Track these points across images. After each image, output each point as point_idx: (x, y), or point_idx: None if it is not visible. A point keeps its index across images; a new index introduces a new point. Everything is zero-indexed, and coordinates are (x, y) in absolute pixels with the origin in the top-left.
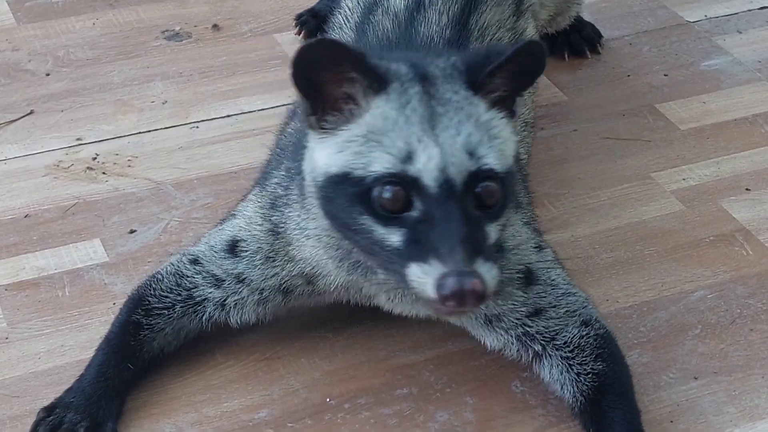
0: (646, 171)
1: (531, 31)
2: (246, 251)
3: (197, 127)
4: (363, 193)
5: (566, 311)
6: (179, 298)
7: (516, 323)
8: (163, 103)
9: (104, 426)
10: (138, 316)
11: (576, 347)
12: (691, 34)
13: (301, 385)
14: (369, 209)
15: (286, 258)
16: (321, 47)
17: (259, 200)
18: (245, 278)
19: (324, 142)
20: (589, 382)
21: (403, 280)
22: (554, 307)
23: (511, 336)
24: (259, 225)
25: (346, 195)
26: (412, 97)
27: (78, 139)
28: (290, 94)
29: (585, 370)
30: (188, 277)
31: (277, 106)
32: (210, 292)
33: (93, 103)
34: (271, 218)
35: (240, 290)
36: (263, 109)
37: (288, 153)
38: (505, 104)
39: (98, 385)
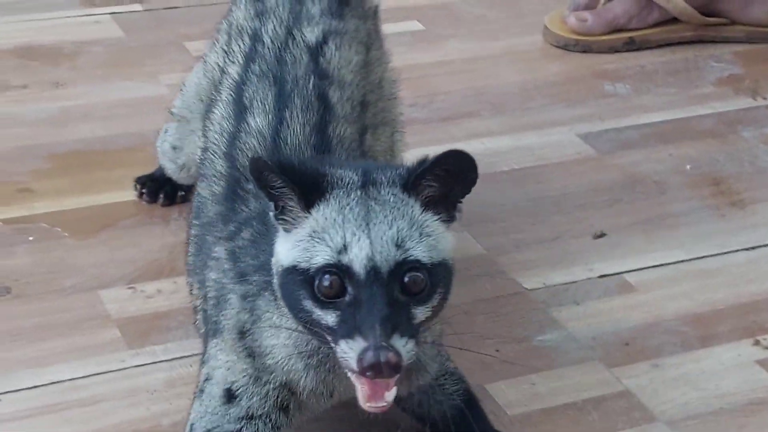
0: None
1: (379, 148)
2: (239, 387)
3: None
4: (306, 282)
5: None
6: None
7: None
8: None
9: None
10: None
11: None
12: (527, 303)
13: None
14: (312, 295)
15: (266, 370)
16: (256, 166)
17: (225, 344)
18: (252, 412)
19: (283, 239)
20: None
21: (335, 355)
22: None
23: None
24: (236, 359)
25: (294, 283)
26: (353, 200)
27: None
28: (101, 362)
29: None
30: None
31: (88, 375)
32: None
33: None
34: (245, 346)
35: (255, 425)
36: (73, 379)
37: (236, 283)
38: (443, 207)
39: None
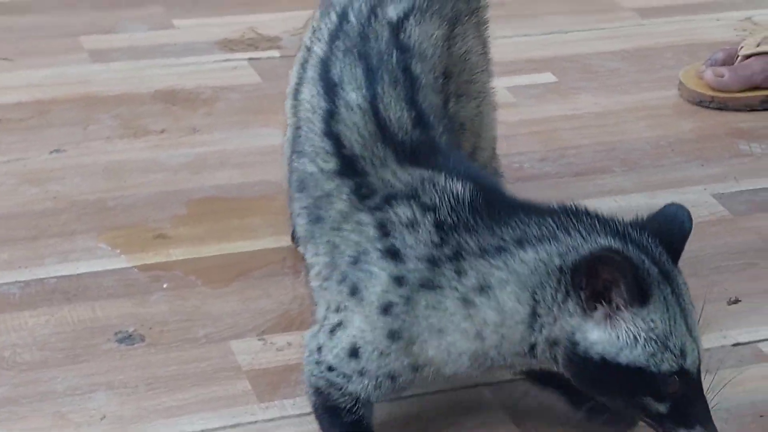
0: None
1: (465, 113)
2: (365, 352)
3: None
4: (649, 382)
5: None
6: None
7: None
8: (102, 419)
9: None
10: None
11: None
12: None
13: None
14: (654, 393)
15: (401, 353)
16: (617, 259)
17: (363, 311)
18: (365, 371)
19: (593, 326)
20: None
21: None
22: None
23: None
24: (371, 332)
25: (628, 379)
26: (668, 298)
27: None
28: (233, 414)
29: None
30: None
31: (221, 428)
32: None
33: (30, 414)
34: (386, 323)
35: (362, 381)
36: (205, 430)
37: (384, 258)
38: None
39: None
